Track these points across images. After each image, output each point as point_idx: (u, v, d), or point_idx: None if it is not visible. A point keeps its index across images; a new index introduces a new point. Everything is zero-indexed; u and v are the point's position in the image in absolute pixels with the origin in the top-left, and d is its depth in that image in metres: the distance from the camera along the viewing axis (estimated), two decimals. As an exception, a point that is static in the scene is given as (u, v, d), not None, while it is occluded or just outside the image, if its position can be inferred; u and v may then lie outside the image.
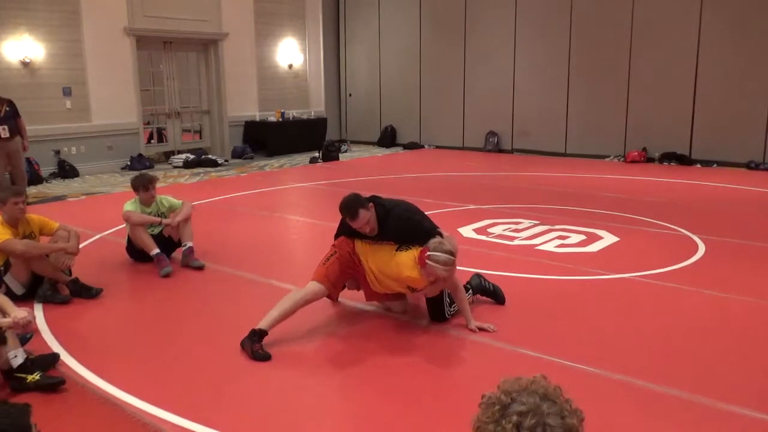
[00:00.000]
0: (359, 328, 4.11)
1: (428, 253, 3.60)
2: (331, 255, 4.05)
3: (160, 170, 11.03)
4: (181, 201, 5.63)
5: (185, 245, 5.41)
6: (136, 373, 3.49)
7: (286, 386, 3.34)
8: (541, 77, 12.72)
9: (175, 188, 9.20)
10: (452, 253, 3.62)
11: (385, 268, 3.87)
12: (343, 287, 4.27)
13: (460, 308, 4.03)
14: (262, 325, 3.72)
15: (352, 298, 4.45)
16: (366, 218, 3.85)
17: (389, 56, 14.88)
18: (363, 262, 3.99)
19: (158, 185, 5.75)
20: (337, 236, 4.21)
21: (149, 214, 5.43)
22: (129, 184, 5.67)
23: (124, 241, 5.59)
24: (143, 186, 5.39)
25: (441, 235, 3.80)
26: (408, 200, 4.18)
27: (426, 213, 4.14)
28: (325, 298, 4.07)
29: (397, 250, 3.87)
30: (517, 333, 3.95)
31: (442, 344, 3.82)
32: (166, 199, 5.59)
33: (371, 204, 3.90)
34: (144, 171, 9.15)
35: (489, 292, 4.41)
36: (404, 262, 3.77)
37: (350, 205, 3.87)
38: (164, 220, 5.39)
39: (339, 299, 4.44)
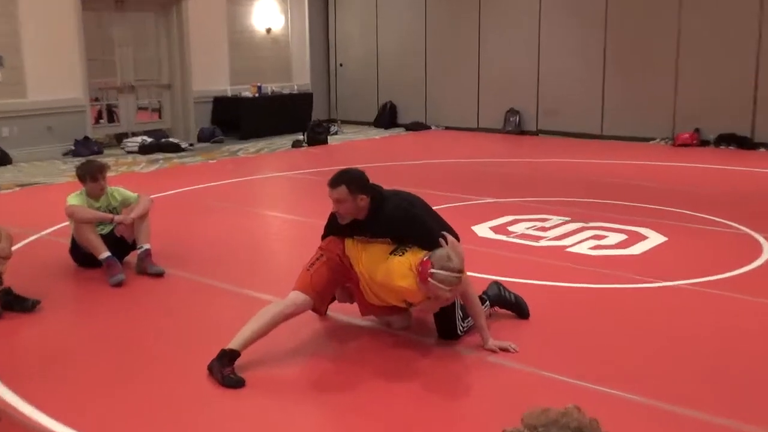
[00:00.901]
0: (352, 347, 4.09)
1: (431, 270, 3.59)
2: (317, 259, 4.03)
3: (111, 156, 10.99)
4: (136, 194, 5.62)
5: (141, 247, 5.40)
6: (81, 402, 3.47)
7: (262, 418, 3.32)
8: (573, 43, 12.70)
9: (129, 178, 9.18)
10: (460, 272, 3.61)
11: (375, 272, 3.86)
12: (333, 299, 4.25)
13: (474, 323, 4.02)
14: (233, 344, 3.71)
15: (343, 311, 4.44)
16: (341, 198, 3.81)
17: (388, 19, 14.86)
18: (355, 265, 3.98)
19: (109, 174, 5.72)
20: (324, 236, 4.19)
21: (98, 209, 5.41)
22: (73, 174, 5.64)
23: (68, 243, 5.57)
24: (91, 175, 5.37)
25: (446, 240, 3.78)
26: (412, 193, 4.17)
27: (434, 208, 4.13)
28: (310, 311, 4.06)
29: (392, 253, 3.85)
30: (545, 353, 3.94)
31: (453, 367, 3.81)
32: (118, 191, 5.57)
33: (367, 195, 3.87)
34: (91, 157, 9.10)
35: (510, 304, 4.40)
36: (397, 269, 3.75)
37: (341, 174, 3.88)
38: (116, 217, 5.38)
39: (327, 312, 4.43)
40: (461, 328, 4.07)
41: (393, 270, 3.76)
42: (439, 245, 3.73)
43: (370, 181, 3.96)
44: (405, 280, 3.72)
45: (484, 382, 3.68)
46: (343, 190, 3.82)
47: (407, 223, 3.86)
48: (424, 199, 4.15)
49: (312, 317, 4.31)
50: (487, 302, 4.28)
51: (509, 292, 4.42)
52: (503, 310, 4.42)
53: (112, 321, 4.55)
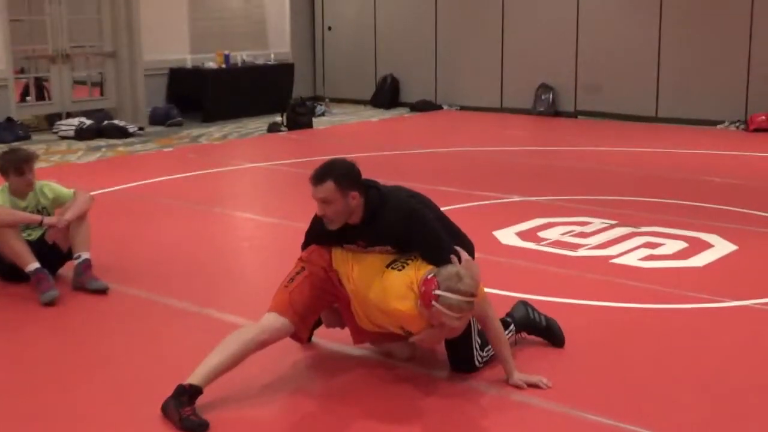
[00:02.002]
0: (342, 382, 4.10)
1: (436, 291, 3.59)
2: (297, 273, 4.05)
3: (40, 143, 11.00)
4: (72, 190, 5.62)
5: (79, 257, 5.40)
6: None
7: (231, 471, 3.35)
8: (620, 6, 12.71)
9: (63, 170, 9.19)
10: (472, 295, 3.62)
11: (368, 290, 3.86)
12: (318, 322, 4.27)
13: (496, 353, 4.03)
14: (194, 379, 3.71)
15: (331, 337, 4.46)
16: (329, 195, 3.79)
17: (389, -30, 14.90)
18: (345, 282, 3.99)
19: (38, 166, 5.73)
20: (305, 245, 4.21)
21: (24, 209, 5.42)
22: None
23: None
24: (15, 168, 5.37)
25: (458, 255, 3.78)
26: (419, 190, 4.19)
27: (443, 209, 4.14)
28: (289, 338, 4.07)
29: (389, 266, 3.86)
30: (583, 390, 3.95)
31: (468, 408, 3.82)
32: (49, 187, 5.58)
33: (360, 192, 3.88)
34: (16, 145, 9.12)
35: (540, 329, 4.42)
36: (394, 287, 3.76)
37: (326, 167, 3.87)
38: (46, 219, 5.38)
39: (312, 339, 4.45)
40: (480, 358, 4.09)
41: (389, 288, 3.77)
42: (448, 260, 3.75)
43: (363, 176, 3.98)
44: (403, 302, 3.72)
45: (507, 425, 3.69)
46: (330, 186, 3.81)
47: (412, 224, 3.87)
48: (432, 201, 4.17)
49: (292, 344, 4.33)
50: (512, 326, 4.29)
51: (539, 314, 4.44)
52: (532, 336, 4.43)
53: (42, 348, 4.55)
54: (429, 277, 3.66)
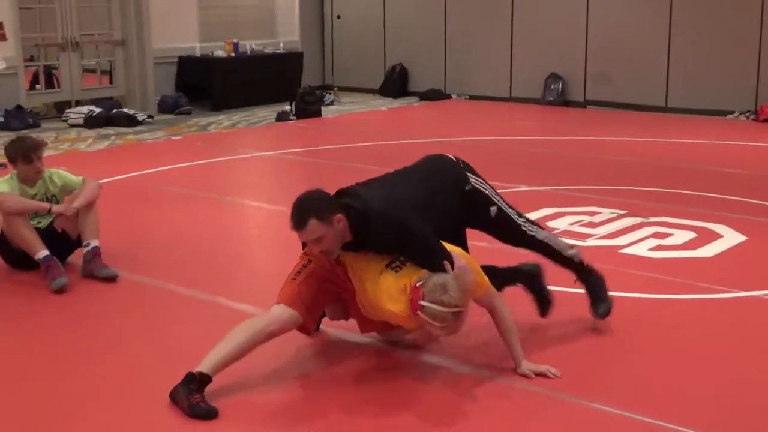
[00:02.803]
0: (348, 369, 4.11)
1: (421, 302, 3.59)
2: (304, 266, 4.04)
3: (50, 131, 11.03)
4: (80, 178, 5.64)
5: (88, 245, 5.41)
6: (13, 436, 3.49)
7: (239, 458, 3.36)
8: (631, -8, 12.69)
9: (72, 158, 9.21)
10: (457, 306, 3.59)
11: (366, 285, 3.87)
12: (323, 314, 4.28)
13: (505, 342, 4.03)
14: (203, 367, 3.72)
15: (336, 325, 4.46)
16: (318, 233, 3.74)
17: (399, -41, 14.87)
18: (351, 275, 3.98)
19: (47, 154, 5.74)
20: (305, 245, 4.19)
21: (33, 197, 5.43)
22: (2, 153, 5.67)
23: (-4, 239, 5.60)
24: (23, 156, 5.38)
25: (451, 261, 3.74)
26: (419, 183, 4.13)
27: (439, 208, 4.07)
28: (296, 330, 4.06)
29: (388, 266, 3.85)
30: (591, 379, 3.95)
31: (475, 395, 3.83)
32: (58, 174, 5.59)
33: (341, 214, 3.81)
34: (25, 133, 9.14)
35: (535, 291, 4.51)
36: (387, 289, 3.76)
37: (301, 207, 3.79)
38: (54, 207, 5.39)
39: (321, 327, 4.46)
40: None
41: (384, 289, 3.77)
42: (441, 266, 3.70)
43: (332, 195, 3.92)
44: (395, 304, 3.73)
45: (513, 415, 3.69)
46: (314, 225, 3.74)
47: (401, 239, 3.82)
48: (410, 183, 4.12)
49: (300, 333, 4.33)
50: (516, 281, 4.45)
51: (543, 284, 4.53)
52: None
53: (51, 337, 4.57)
54: (417, 285, 3.66)
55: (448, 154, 4.45)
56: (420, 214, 3.92)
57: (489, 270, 4.06)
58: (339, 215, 3.81)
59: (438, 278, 3.63)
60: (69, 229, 5.47)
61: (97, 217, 5.49)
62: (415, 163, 4.39)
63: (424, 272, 3.73)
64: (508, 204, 4.35)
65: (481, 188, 4.26)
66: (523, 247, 4.47)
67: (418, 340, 3.81)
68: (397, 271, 3.80)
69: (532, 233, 4.38)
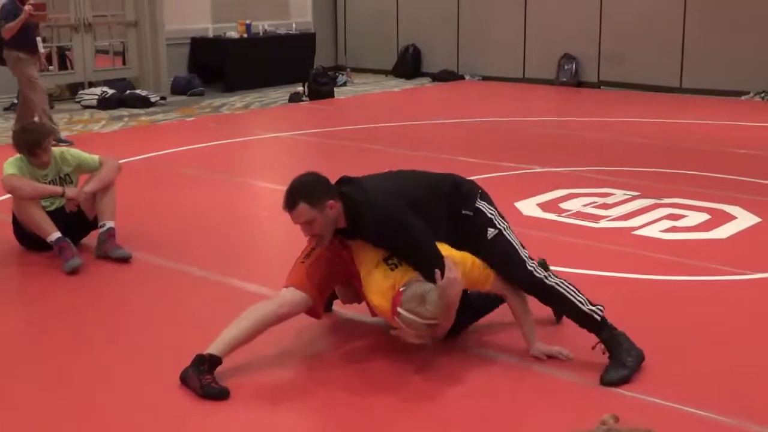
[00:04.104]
0: (357, 349, 4.13)
1: (398, 309, 3.60)
2: (312, 249, 4.04)
3: (63, 112, 11.05)
4: (97, 157, 5.57)
5: (103, 225, 5.41)
6: (27, 422, 3.50)
7: (252, 438, 3.35)
8: (645, -29, 12.59)
9: (85, 139, 9.23)
10: (433, 319, 3.60)
11: (360, 273, 3.89)
12: (331, 299, 4.28)
13: (518, 323, 4.03)
14: (214, 349, 3.74)
15: (347, 306, 4.47)
16: (307, 216, 3.75)
17: (412, -61, 14.79)
18: (355, 259, 3.97)
19: (61, 135, 5.71)
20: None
21: (45, 177, 5.36)
22: (10, 137, 5.61)
23: (10, 219, 5.58)
24: (28, 150, 5.28)
25: (442, 264, 3.67)
26: (436, 162, 4.13)
27: (442, 194, 4.02)
28: (305, 314, 4.06)
29: (385, 260, 3.83)
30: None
31: (487, 375, 3.83)
32: (70, 153, 5.53)
33: (335, 200, 3.81)
34: (28, 122, 9.12)
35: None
36: (378, 282, 3.76)
37: (293, 189, 3.80)
38: (67, 191, 5.32)
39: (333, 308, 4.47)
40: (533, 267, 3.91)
41: (374, 281, 3.78)
42: (432, 273, 3.67)
43: (333, 181, 3.91)
44: (381, 298, 3.73)
45: (525, 396, 3.70)
46: (304, 208, 3.76)
47: (394, 237, 3.80)
48: (416, 174, 4.10)
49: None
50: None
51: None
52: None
53: (65, 318, 4.59)
54: (401, 290, 3.66)
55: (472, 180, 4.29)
56: (420, 212, 3.88)
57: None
58: (332, 201, 3.80)
59: (419, 288, 3.63)
60: (86, 209, 5.44)
61: (114, 198, 5.48)
62: (433, 172, 4.29)
63: (414, 275, 3.73)
64: (521, 243, 4.02)
65: (487, 212, 4.03)
66: (520, 285, 3.97)
67: (400, 338, 3.78)
68: (392, 269, 3.80)
69: (539, 275, 3.92)
